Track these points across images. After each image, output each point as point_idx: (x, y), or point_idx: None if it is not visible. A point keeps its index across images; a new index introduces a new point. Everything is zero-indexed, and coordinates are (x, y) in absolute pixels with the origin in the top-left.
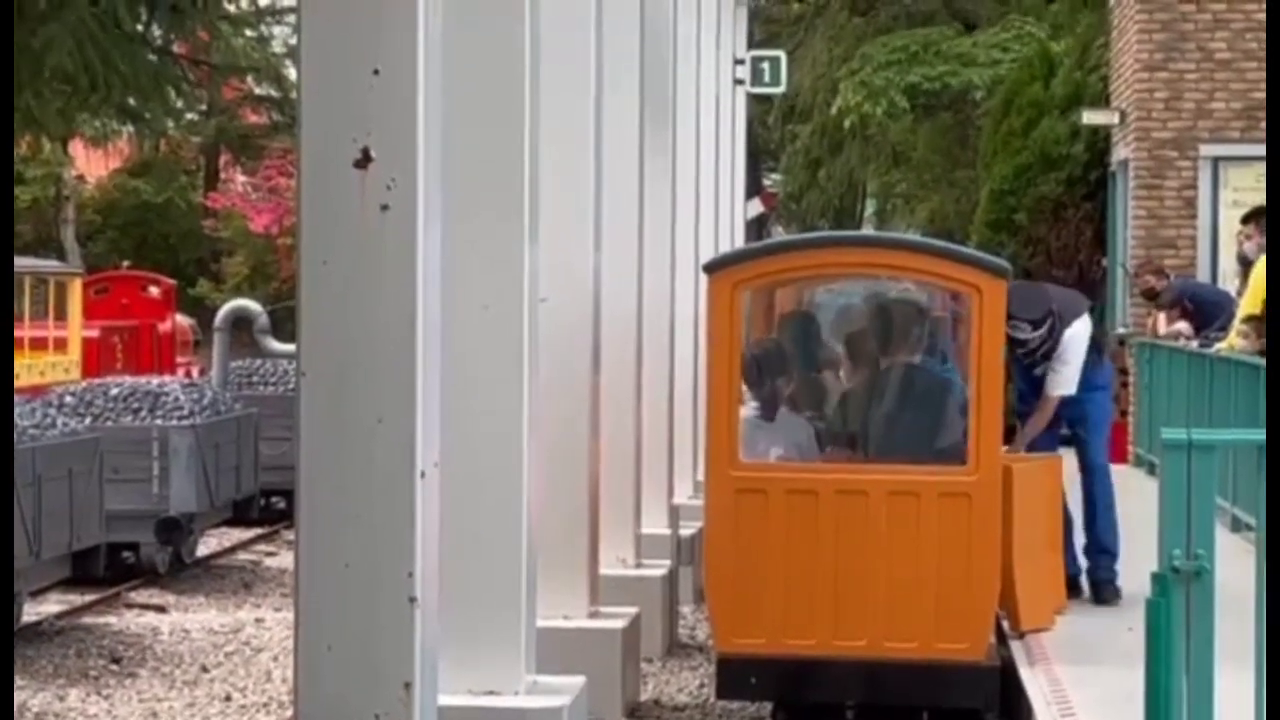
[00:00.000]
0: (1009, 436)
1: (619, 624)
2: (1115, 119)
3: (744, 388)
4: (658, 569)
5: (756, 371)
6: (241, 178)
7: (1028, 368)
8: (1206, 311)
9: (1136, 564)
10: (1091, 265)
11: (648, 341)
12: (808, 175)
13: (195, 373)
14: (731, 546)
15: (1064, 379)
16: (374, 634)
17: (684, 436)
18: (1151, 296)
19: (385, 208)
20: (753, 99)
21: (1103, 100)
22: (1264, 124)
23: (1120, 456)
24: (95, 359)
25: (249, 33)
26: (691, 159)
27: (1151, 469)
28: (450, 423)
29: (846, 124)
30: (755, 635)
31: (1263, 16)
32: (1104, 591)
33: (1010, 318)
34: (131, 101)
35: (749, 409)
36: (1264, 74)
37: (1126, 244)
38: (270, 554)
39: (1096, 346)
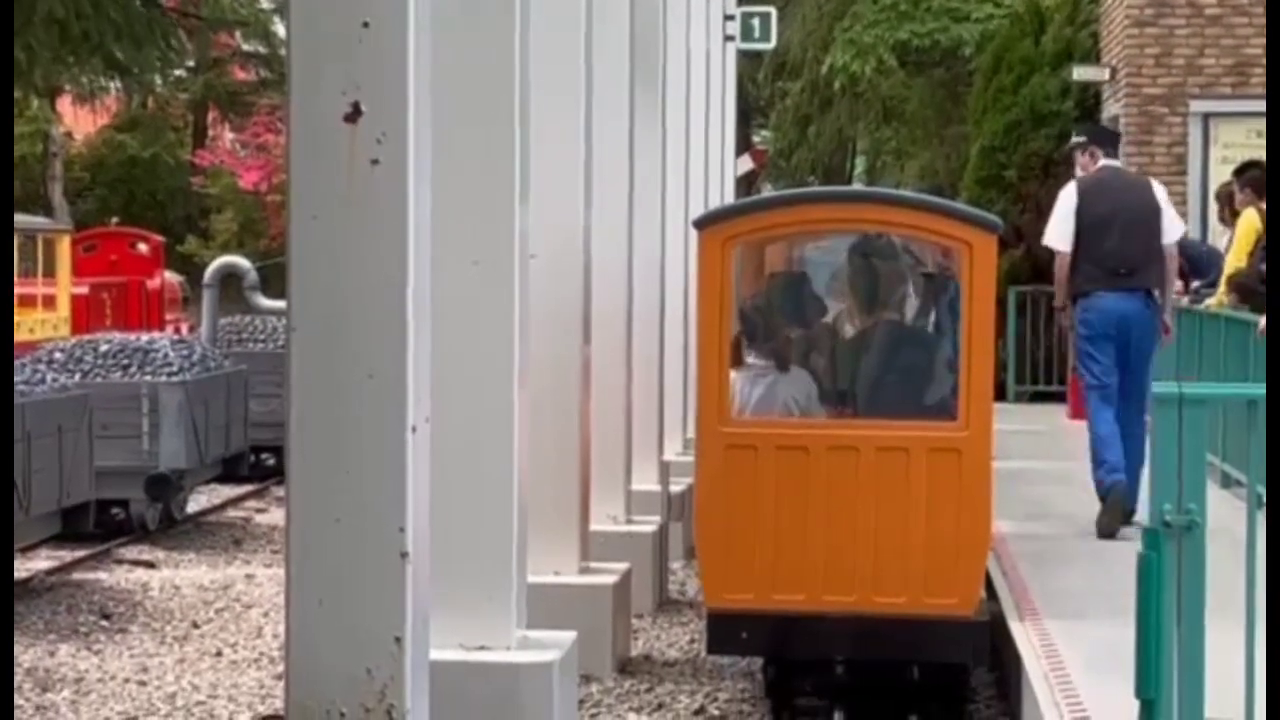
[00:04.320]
0: (1000, 393)
1: (609, 580)
2: (1105, 75)
3: (744, 340)
4: (648, 525)
5: (750, 326)
6: (230, 134)
7: None
8: (1194, 267)
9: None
10: None
11: (638, 297)
12: (797, 132)
13: (184, 329)
14: (722, 502)
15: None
16: (365, 589)
17: (674, 393)
18: None
19: (375, 162)
20: (743, 55)
21: (1093, 56)
22: (1254, 80)
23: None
24: (84, 316)
25: None
26: (681, 115)
27: None
28: (440, 379)
29: (837, 84)
30: (745, 591)
31: None
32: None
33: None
34: (119, 55)
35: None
36: (1254, 29)
37: None
38: (260, 510)
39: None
